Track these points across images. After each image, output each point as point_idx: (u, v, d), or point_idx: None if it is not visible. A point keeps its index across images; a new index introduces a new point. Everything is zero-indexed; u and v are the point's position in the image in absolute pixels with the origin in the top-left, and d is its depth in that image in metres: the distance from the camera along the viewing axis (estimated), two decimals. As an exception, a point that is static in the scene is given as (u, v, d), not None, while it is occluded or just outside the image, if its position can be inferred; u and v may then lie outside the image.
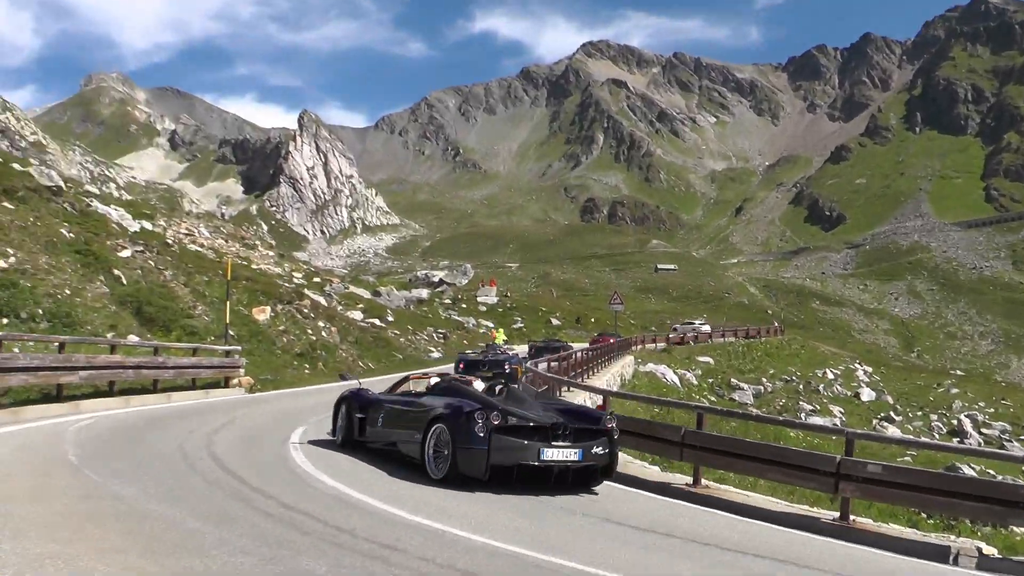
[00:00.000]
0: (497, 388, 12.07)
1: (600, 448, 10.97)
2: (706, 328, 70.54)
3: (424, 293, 68.17)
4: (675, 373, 40.12)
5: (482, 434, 10.21)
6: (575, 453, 10.73)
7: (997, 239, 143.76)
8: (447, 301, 69.62)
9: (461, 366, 30.00)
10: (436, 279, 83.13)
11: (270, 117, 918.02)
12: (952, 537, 11.03)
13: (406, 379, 13.95)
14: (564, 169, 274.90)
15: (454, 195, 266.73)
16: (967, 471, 24.64)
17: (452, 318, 62.50)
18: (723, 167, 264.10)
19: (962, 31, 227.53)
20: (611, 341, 40.97)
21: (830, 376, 53.26)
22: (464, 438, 10.30)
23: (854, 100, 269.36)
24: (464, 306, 69.39)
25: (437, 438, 10.74)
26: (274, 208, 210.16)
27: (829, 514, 11.20)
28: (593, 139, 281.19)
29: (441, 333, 54.29)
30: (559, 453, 10.59)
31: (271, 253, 63.38)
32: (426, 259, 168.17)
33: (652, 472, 13.53)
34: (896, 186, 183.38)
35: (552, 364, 24.01)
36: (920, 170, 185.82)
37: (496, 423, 10.31)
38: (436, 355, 44.95)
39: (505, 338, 48.90)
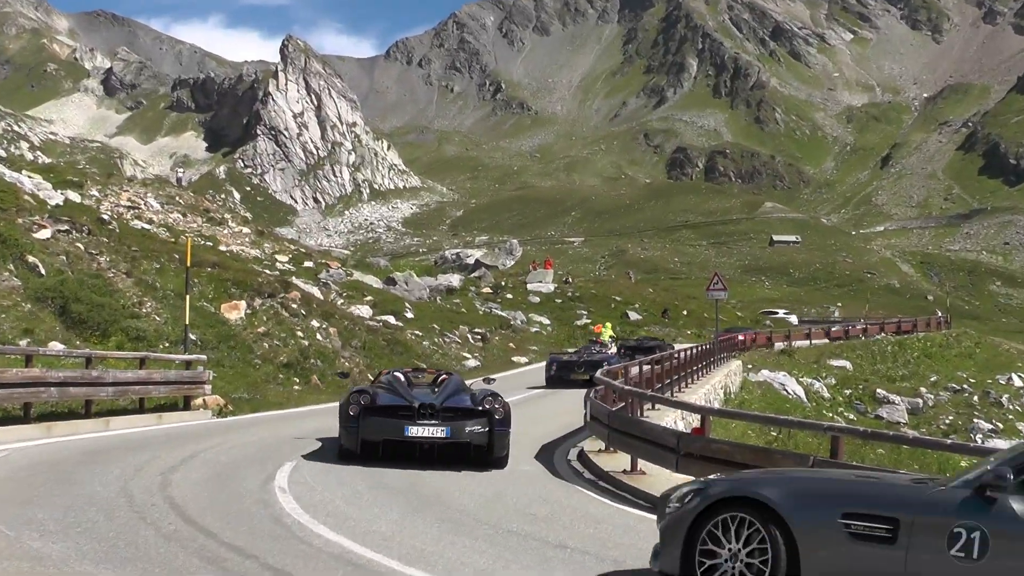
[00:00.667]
0: (439, 379, 18.30)
1: (476, 427, 16.02)
2: (793, 319, 70.37)
3: (455, 280, 68.07)
4: (799, 383, 39.90)
5: (353, 413, 15.87)
6: (442, 431, 15.80)
7: None
8: (486, 290, 69.55)
9: (553, 368, 34.53)
10: (471, 260, 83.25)
11: (242, 47, 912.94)
12: None
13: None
14: (644, 109, 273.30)
15: (495, 147, 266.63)
16: None
17: (494, 313, 62.33)
18: (864, 102, 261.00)
19: None
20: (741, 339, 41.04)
21: (1017, 383, 52.70)
22: (343, 419, 16.16)
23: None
24: (510, 296, 69.30)
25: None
26: (249, 170, 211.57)
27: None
28: (683, 67, 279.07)
29: (478, 334, 54.01)
30: (424, 431, 15.74)
31: (246, 230, 63.67)
32: (457, 234, 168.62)
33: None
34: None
35: (633, 371, 23.88)
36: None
37: (363, 404, 15.92)
38: (472, 363, 44.84)
39: (613, 334, 49.43)
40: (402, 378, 17.62)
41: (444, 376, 18.74)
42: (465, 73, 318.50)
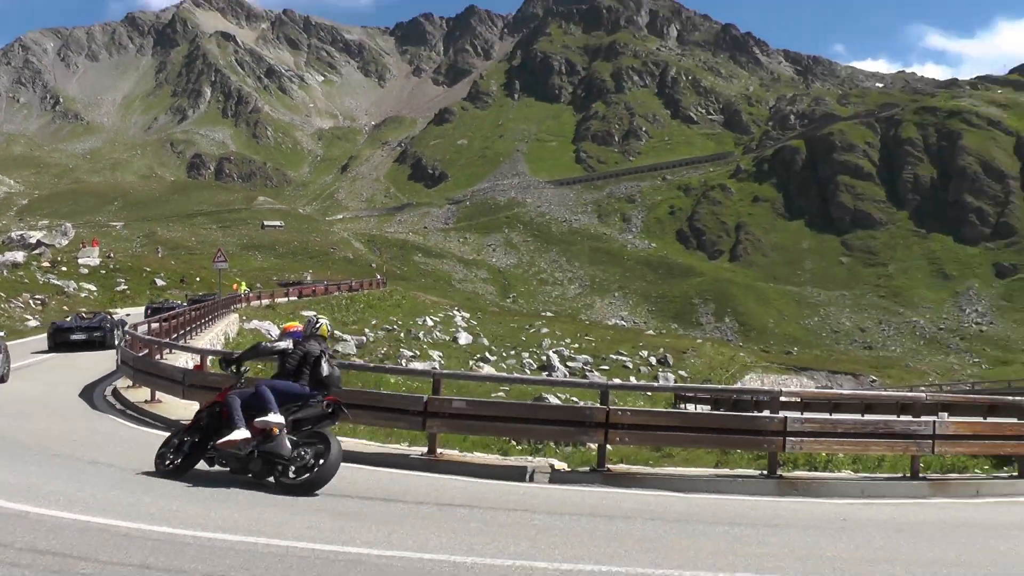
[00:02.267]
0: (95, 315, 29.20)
1: (99, 334, 28.49)
2: (309, 278, 70.83)
3: (20, 256, 62.32)
4: (279, 328, 39.82)
5: (50, 331, 28.73)
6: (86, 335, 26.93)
7: (585, 196, 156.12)
8: (46, 264, 64.18)
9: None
10: (33, 240, 76.46)
11: None
12: (530, 458, 11.99)
13: None
14: (171, 123, 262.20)
15: (54, 148, 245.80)
16: (553, 400, 26.87)
17: (51, 282, 57.59)
18: (330, 125, 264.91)
19: (558, 10, 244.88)
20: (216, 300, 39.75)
21: (430, 323, 55.16)
22: (49, 334, 27.50)
23: (458, 67, 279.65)
24: (64, 269, 64.30)
25: None
26: None
27: (419, 450, 11.72)
28: (200, 93, 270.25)
29: (39, 299, 49.87)
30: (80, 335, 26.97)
31: None
32: (23, 219, 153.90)
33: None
34: (495, 147, 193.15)
35: (153, 326, 23.19)
36: (518, 133, 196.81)
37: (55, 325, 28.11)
38: (33, 323, 41.28)
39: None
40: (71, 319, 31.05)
41: (97, 313, 33.26)
42: (30, 87, 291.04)
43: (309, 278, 78.30)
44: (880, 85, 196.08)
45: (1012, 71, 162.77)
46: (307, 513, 7.30)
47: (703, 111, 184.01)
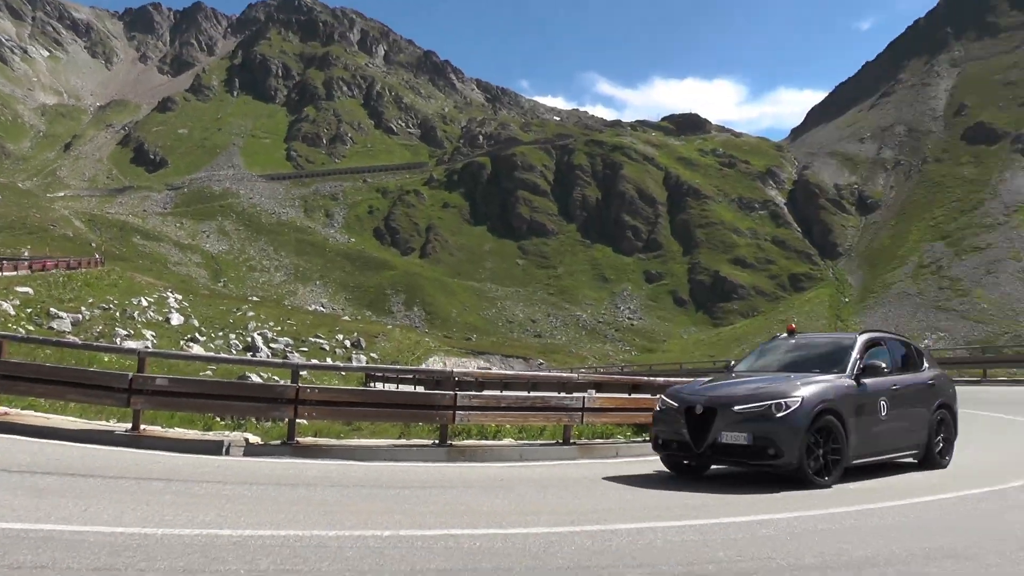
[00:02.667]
0: None
1: None
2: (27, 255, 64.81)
3: None
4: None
5: None
6: None
7: (293, 191, 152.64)
8: None
9: None
10: None
11: None
12: (227, 433, 11.74)
13: None
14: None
15: None
16: (256, 378, 26.26)
17: None
18: (54, 102, 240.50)
19: (279, 18, 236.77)
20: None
21: (145, 304, 52.17)
22: None
23: (183, 58, 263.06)
24: None
25: None
26: None
27: (125, 426, 11.18)
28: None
29: None
30: None
31: None
32: None
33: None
34: (214, 139, 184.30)
35: None
36: (235, 128, 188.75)
37: None
38: None
39: None
40: None
41: None
42: None
43: (27, 254, 71.20)
44: (557, 118, 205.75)
45: (663, 119, 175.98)
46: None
47: (403, 124, 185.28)
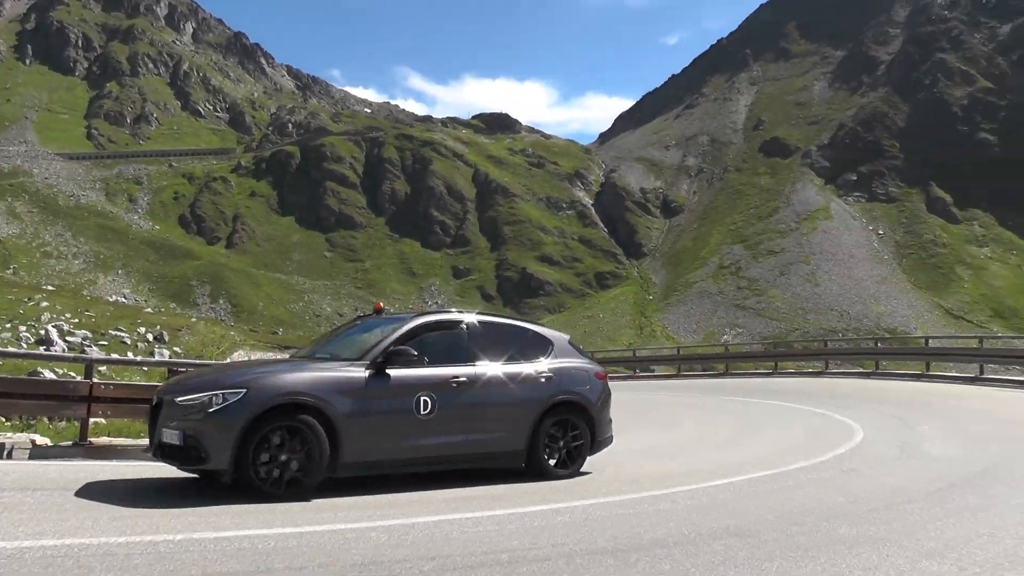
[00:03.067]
0: None
1: None
2: None
3: None
4: None
5: None
6: None
7: (94, 173, 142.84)
8: None
9: None
10: None
11: None
12: (10, 435, 10.98)
13: None
14: None
15: None
16: (50, 375, 24.53)
17: None
18: None
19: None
20: None
21: None
22: None
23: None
24: None
25: None
26: None
27: None
28: None
29: None
30: None
31: None
32: None
33: None
34: (2, 111, 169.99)
35: None
36: (28, 100, 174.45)
37: None
38: None
39: None
40: None
41: None
42: None
43: None
44: (368, 110, 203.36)
45: (474, 117, 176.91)
46: None
47: (211, 107, 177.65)
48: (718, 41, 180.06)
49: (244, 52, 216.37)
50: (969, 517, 7.25)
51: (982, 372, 26.61)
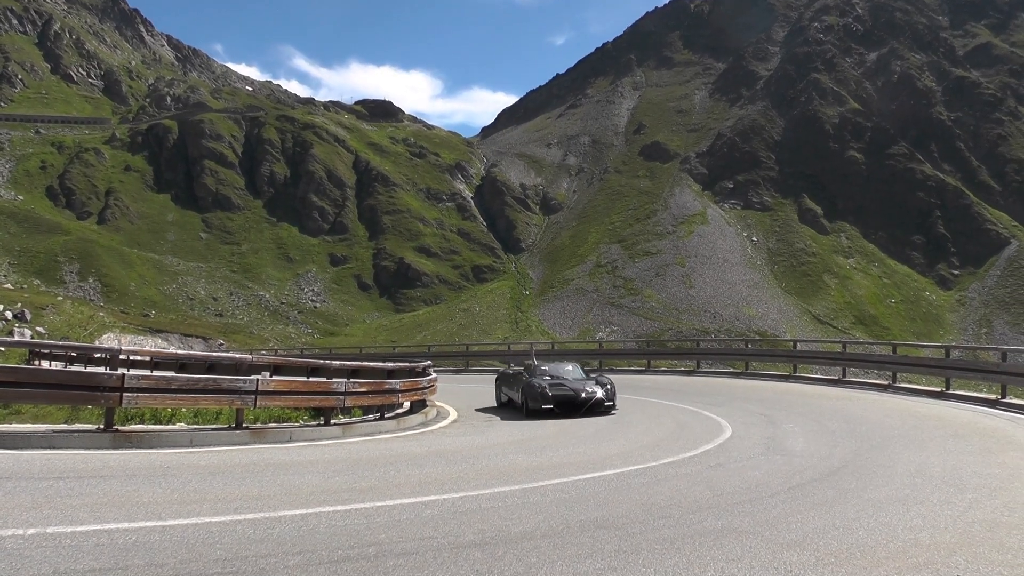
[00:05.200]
0: None
1: None
2: None
3: None
4: None
5: None
6: None
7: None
8: None
9: None
10: None
11: None
12: None
13: None
14: None
15: None
16: None
17: None
18: None
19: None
20: None
21: None
22: None
23: None
24: None
25: None
26: None
27: None
28: None
29: None
30: None
31: None
32: None
33: None
34: None
35: None
36: None
37: None
38: None
39: None
40: None
41: None
42: None
43: None
44: (250, 89, 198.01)
45: (357, 102, 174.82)
46: None
47: (84, 73, 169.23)
48: (603, 44, 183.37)
49: (122, 17, 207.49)
50: (826, 510, 7.58)
51: (844, 375, 27.87)
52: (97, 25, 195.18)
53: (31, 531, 5.52)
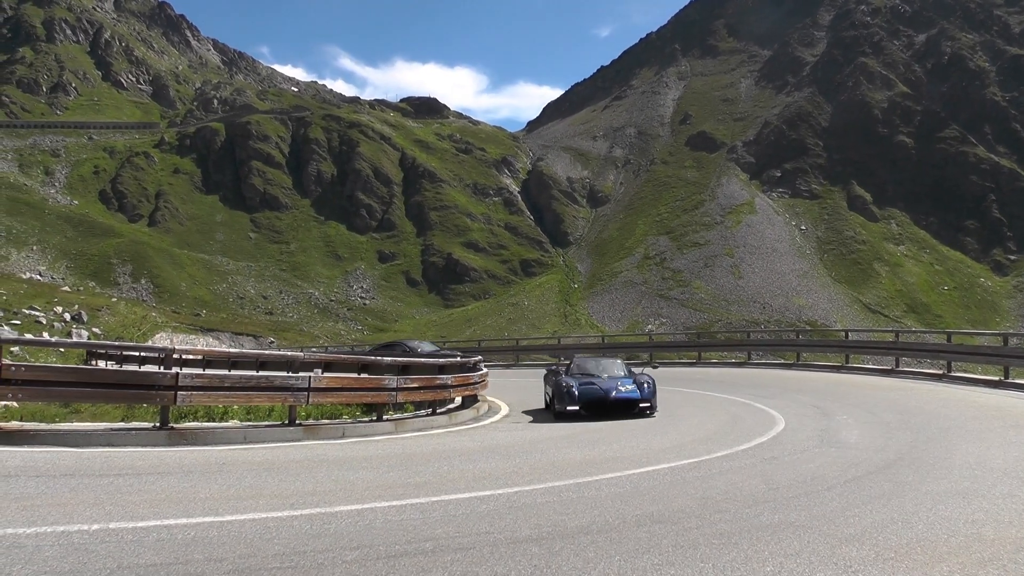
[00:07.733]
0: None
1: None
2: None
3: None
4: None
5: None
6: None
7: (6, 143, 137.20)
8: None
9: None
10: None
11: None
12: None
13: None
14: None
15: None
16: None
17: None
18: None
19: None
20: None
21: None
22: None
23: None
24: None
25: None
26: None
27: None
28: None
29: None
30: None
31: None
32: None
33: None
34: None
35: None
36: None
37: None
38: None
39: None
40: None
41: None
42: None
43: None
44: (295, 89, 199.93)
45: (402, 100, 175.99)
46: None
47: (134, 79, 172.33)
48: (647, 35, 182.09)
49: (169, 24, 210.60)
50: (884, 504, 7.45)
51: (897, 364, 27.41)
52: (145, 32, 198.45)
53: (95, 527, 5.62)
